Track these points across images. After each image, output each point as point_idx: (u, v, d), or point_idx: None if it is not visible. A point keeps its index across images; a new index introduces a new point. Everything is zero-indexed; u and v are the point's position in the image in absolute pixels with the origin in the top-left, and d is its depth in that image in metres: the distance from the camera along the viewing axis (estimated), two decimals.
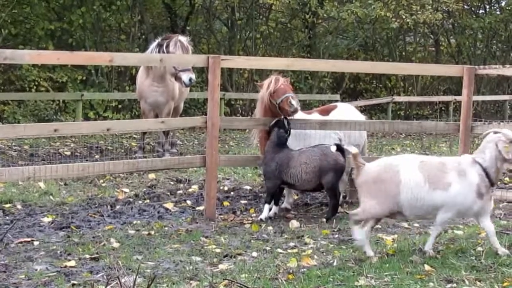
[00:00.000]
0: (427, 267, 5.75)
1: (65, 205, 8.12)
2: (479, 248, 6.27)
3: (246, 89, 21.16)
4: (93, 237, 6.80)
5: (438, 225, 6.12)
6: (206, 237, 6.93)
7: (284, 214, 7.88)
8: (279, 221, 7.68)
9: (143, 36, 20.27)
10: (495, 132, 6.13)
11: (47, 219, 7.41)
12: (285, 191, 8.32)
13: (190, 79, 10.92)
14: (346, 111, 8.90)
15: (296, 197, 8.86)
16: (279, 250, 6.42)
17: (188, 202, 8.54)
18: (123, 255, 6.15)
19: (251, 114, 18.77)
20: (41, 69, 17.49)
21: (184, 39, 11.28)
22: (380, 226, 7.53)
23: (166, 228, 7.29)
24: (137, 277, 4.98)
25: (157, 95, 11.68)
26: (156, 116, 11.72)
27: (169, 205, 8.24)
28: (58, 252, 6.22)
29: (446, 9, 22.44)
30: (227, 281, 5.23)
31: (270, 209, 7.84)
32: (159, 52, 10.96)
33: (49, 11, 18.73)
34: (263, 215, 7.73)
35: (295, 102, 7.82)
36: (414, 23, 20.75)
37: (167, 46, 11.01)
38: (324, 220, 7.73)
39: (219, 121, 7.81)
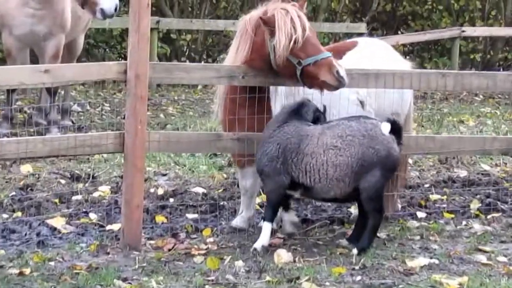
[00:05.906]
0: None
1: None
2: None
3: (199, 13, 15.27)
4: None
5: None
6: (125, 280, 5.16)
7: None
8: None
9: None
10: None
11: None
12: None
13: (116, 8, 8.55)
14: (373, 51, 6.67)
15: None
16: None
17: (92, 216, 6.54)
18: None
19: (206, 59, 15.15)
20: None
21: None
22: None
23: (52, 263, 5.45)
24: None
25: (33, 22, 8.99)
26: (35, 60, 9.56)
27: (58, 222, 6.34)
28: None
29: None
30: None
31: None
32: None
33: None
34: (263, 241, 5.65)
35: (344, 73, 5.68)
36: None
37: None
38: (355, 252, 5.54)
39: (148, 71, 5.86)
